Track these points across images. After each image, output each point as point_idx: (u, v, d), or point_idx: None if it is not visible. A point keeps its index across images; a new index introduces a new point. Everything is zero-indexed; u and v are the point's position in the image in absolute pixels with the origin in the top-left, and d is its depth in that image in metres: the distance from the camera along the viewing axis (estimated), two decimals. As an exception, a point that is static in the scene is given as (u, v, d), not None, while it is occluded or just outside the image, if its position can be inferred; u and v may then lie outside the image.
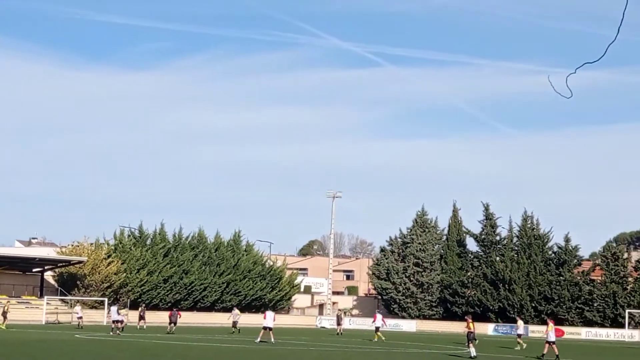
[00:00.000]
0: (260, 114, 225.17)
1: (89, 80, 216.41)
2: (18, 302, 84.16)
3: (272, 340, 49.56)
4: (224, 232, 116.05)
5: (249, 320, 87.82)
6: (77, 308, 72.37)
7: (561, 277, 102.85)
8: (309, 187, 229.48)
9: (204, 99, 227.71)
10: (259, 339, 50.58)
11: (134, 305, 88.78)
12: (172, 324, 64.02)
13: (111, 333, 55.06)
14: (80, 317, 70.20)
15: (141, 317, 71.43)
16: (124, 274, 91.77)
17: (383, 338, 61.43)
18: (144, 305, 77.40)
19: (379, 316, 65.46)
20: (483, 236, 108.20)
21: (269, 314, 52.02)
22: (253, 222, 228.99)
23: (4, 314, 67.59)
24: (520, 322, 59.43)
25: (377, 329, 63.48)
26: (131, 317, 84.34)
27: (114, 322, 59.00)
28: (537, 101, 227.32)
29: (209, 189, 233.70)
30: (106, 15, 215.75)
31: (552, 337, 43.96)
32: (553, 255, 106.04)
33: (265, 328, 50.91)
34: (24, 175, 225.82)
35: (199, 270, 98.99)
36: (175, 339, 52.76)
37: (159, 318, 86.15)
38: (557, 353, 43.13)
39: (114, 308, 61.32)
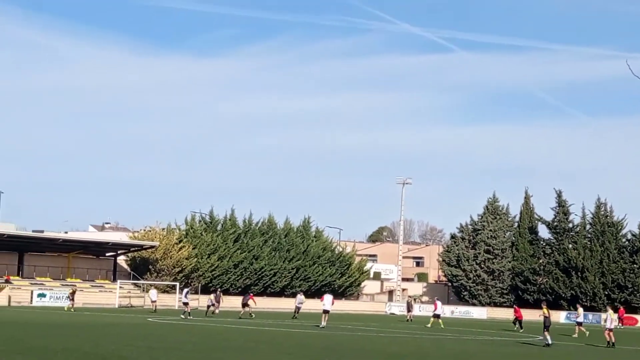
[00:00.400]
0: (330, 101, 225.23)
1: (160, 68, 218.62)
2: (92, 286, 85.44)
3: (323, 323, 50.33)
4: (294, 218, 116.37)
5: (316, 305, 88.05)
6: (152, 292, 73.10)
7: (635, 265, 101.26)
8: (379, 174, 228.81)
9: (274, 85, 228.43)
10: (323, 324, 50.83)
11: (205, 290, 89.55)
12: (246, 307, 64.16)
13: (182, 316, 55.57)
14: (154, 301, 70.96)
15: (217, 302, 71.74)
16: (195, 259, 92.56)
17: (442, 325, 61.46)
18: (219, 290, 77.73)
19: (439, 304, 66.93)
20: (555, 223, 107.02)
21: (327, 297, 52.77)
22: (322, 208, 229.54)
23: (72, 297, 68.55)
24: (580, 310, 58.79)
25: (437, 316, 64.66)
26: (202, 301, 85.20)
27: (184, 304, 59.64)
28: (613, 87, 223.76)
29: (278, 175, 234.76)
30: (176, 2, 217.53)
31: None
32: (627, 242, 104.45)
33: (324, 311, 51.73)
34: (97, 161, 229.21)
35: (269, 256, 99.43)
36: (246, 324, 53.04)
37: (229, 303, 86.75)
38: (611, 340, 42.31)
39: (184, 291, 61.90)
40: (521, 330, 59.06)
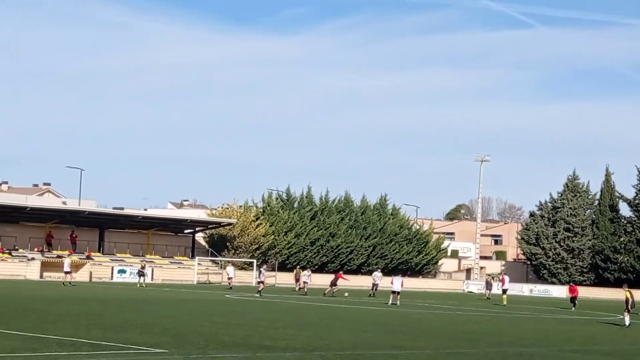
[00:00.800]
0: (407, 77, 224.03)
1: (237, 46, 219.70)
2: (170, 263, 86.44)
3: (395, 301, 51.20)
4: (370, 195, 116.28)
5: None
6: (230, 269, 73.54)
7: None
8: (457, 151, 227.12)
9: (350, 62, 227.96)
10: (394, 302, 51.15)
11: (281, 267, 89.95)
12: (334, 287, 63.98)
13: (256, 295, 55.59)
14: (231, 278, 71.37)
15: (297, 279, 71.95)
16: (272, 236, 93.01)
17: (504, 303, 60.99)
18: (299, 267, 77.93)
19: (506, 279, 67.61)
20: (637, 201, 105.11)
21: (397, 279, 53.45)
22: (399, 186, 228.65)
23: (142, 272, 69.11)
24: None
25: (504, 291, 64.74)
26: (279, 278, 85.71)
27: (259, 282, 59.18)
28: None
29: (355, 153, 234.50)
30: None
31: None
32: None
33: (393, 292, 52.30)
34: (176, 138, 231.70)
35: (346, 234, 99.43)
36: (324, 302, 53.15)
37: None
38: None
39: (262, 269, 61.96)
40: (573, 309, 58.19)
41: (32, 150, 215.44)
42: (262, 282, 58.94)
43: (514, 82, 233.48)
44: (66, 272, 64.60)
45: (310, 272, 70.74)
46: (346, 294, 60.91)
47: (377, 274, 68.38)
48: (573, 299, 61.72)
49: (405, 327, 33.18)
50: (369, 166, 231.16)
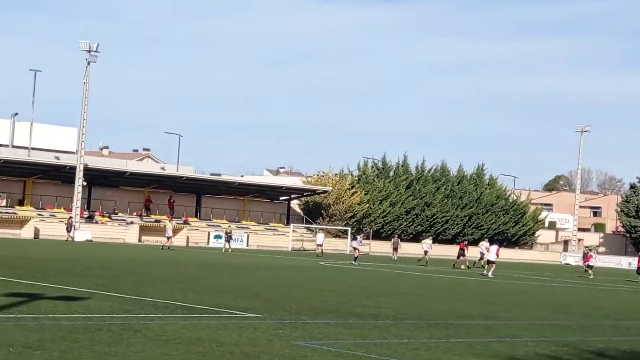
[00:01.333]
0: (509, 45, 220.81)
1: (335, 12, 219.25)
2: (265, 229, 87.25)
3: (488, 273, 49.67)
4: (467, 165, 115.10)
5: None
6: (320, 235, 73.72)
7: None
8: (557, 121, 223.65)
9: (452, 29, 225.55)
10: (487, 273, 49.99)
11: (376, 236, 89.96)
12: (461, 257, 61.78)
13: (353, 262, 55.66)
14: (320, 245, 71.19)
15: (395, 249, 71.83)
16: (367, 205, 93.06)
17: (591, 276, 59.44)
18: (397, 236, 77.76)
19: (594, 255, 65.96)
20: None
21: (493, 247, 51.79)
22: (497, 155, 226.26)
23: (228, 238, 69.34)
24: None
25: (590, 266, 62.66)
26: (374, 247, 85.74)
27: (354, 249, 59.45)
28: None
29: (452, 121, 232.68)
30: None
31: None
32: None
33: (489, 262, 50.92)
34: (273, 106, 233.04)
35: (441, 203, 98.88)
36: (418, 270, 53.02)
37: (402, 249, 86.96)
38: None
39: (358, 237, 61.80)
40: None
41: (133, 116, 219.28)
42: (357, 249, 58.96)
43: (618, 50, 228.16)
44: (168, 237, 65.98)
45: (431, 240, 69.72)
46: (463, 267, 59.91)
47: (428, 241, 66.61)
48: None
49: (499, 298, 32.92)
50: (465, 135, 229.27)
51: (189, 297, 23.57)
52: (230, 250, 66.76)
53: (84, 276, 29.60)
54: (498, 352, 16.41)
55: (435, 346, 16.69)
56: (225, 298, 24.22)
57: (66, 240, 67.48)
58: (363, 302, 25.98)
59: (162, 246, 64.52)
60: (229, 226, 77.03)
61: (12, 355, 12.37)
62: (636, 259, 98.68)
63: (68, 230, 70.00)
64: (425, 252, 64.24)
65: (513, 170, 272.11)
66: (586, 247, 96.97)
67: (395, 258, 68.78)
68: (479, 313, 24.95)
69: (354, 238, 65.80)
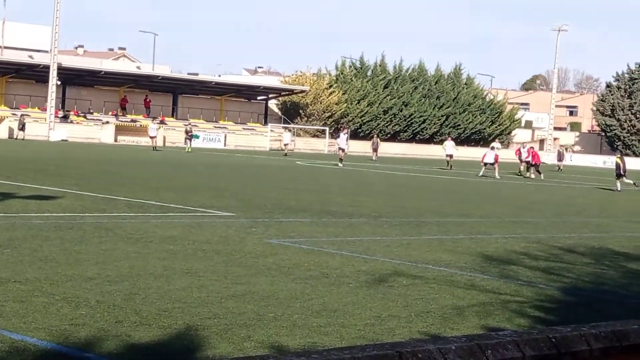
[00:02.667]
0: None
1: None
2: (243, 129, 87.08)
3: (497, 175, 49.60)
4: (445, 65, 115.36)
5: (465, 153, 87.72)
6: (286, 135, 73.21)
7: None
8: (534, 20, 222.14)
9: None
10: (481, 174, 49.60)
11: (353, 136, 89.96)
12: (487, 165, 51.89)
13: (339, 164, 53.30)
14: (287, 144, 70.83)
15: (374, 150, 71.28)
16: (345, 104, 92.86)
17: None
18: (376, 136, 77.60)
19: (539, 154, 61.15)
20: None
21: (490, 153, 51.22)
22: (474, 55, 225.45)
23: (189, 137, 66.38)
24: None
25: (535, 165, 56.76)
26: (352, 147, 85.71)
27: (339, 149, 56.86)
28: None
29: (429, 20, 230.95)
30: None
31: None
32: None
33: (485, 164, 50.49)
34: (251, 4, 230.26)
35: (419, 103, 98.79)
36: (396, 170, 53.21)
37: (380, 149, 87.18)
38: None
39: (342, 134, 60.13)
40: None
41: (108, 14, 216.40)
42: (343, 150, 56.49)
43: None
44: (152, 137, 65.47)
45: (452, 142, 64.81)
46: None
47: (449, 143, 63.28)
48: None
49: (473, 196, 33.18)
50: (443, 34, 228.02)
51: (163, 197, 23.58)
52: (190, 150, 63.48)
53: (57, 176, 29.50)
54: (469, 248, 16.58)
55: (407, 243, 16.83)
56: (200, 197, 24.25)
57: (15, 138, 66.63)
58: (338, 201, 26.10)
59: (154, 147, 64.09)
60: (189, 124, 74.19)
61: (-19, 254, 12.37)
62: (611, 157, 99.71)
63: (20, 128, 67.94)
64: (450, 156, 60.69)
65: (490, 70, 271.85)
66: (561, 146, 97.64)
67: (375, 158, 68.70)
68: (452, 211, 25.13)
69: (336, 136, 64.21)
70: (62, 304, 9.54)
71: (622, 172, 41.90)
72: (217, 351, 8.09)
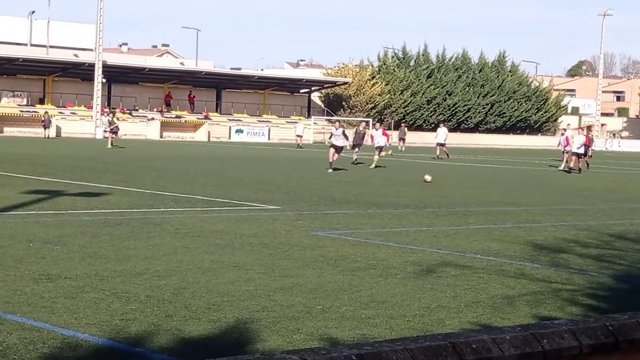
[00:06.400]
0: None
1: None
2: (287, 122, 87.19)
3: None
4: (488, 52, 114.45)
5: (512, 141, 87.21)
6: (299, 126, 72.66)
7: None
8: (579, 5, 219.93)
9: None
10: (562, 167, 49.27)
11: (397, 126, 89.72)
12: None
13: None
14: (300, 136, 70.14)
15: (401, 139, 69.78)
16: (388, 95, 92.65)
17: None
18: (403, 125, 77.05)
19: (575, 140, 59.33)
20: None
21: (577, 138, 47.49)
22: (518, 42, 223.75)
23: (112, 129, 57.93)
24: None
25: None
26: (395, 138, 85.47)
27: (400, 139, 57.50)
28: None
29: (472, 8, 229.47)
30: None
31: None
32: None
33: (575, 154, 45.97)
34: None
35: (463, 92, 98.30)
36: (438, 160, 52.94)
37: (421, 139, 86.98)
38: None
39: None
40: None
41: (151, 12, 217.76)
42: (403, 140, 57.13)
43: None
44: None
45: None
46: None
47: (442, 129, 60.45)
48: None
49: (520, 185, 32.90)
50: (486, 22, 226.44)
51: (209, 191, 23.66)
52: (112, 146, 51.03)
53: (104, 172, 29.74)
54: (517, 237, 16.43)
55: (455, 233, 16.72)
56: (246, 191, 24.29)
57: (45, 138, 63.47)
58: (383, 192, 26.01)
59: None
60: (111, 113, 62.09)
61: (32, 251, 12.49)
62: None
63: (45, 126, 65.65)
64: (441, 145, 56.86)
65: (535, 57, 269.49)
66: (608, 132, 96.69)
67: (402, 149, 66.35)
68: (499, 200, 24.94)
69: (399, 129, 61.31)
70: (112, 299, 9.59)
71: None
72: (267, 344, 8.08)
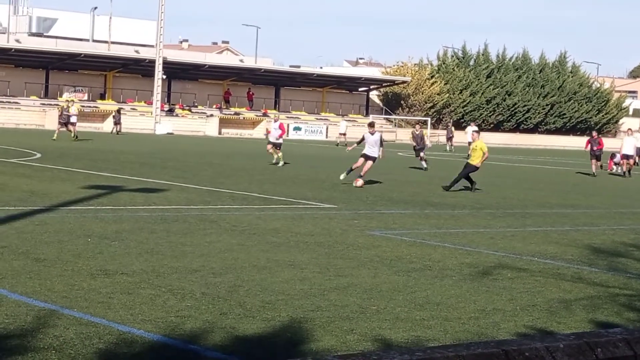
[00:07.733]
0: None
1: None
2: (345, 120, 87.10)
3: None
4: (549, 53, 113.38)
5: (571, 142, 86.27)
6: (342, 123, 71.29)
7: None
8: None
9: None
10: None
11: (456, 126, 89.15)
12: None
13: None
14: (344, 134, 67.02)
15: (449, 138, 67.90)
16: (447, 95, 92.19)
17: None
18: (451, 124, 75.63)
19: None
20: None
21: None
22: (580, 42, 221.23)
23: (117, 120, 63.30)
24: None
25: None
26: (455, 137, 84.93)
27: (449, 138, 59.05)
28: None
29: (533, 8, 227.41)
30: None
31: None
32: None
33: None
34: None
35: (523, 92, 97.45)
36: (495, 160, 52.51)
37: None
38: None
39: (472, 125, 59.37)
40: None
41: (212, 9, 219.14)
42: (451, 139, 58.42)
43: None
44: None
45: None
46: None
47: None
48: None
49: (579, 187, 32.56)
50: (548, 22, 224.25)
51: (266, 188, 23.75)
52: (75, 138, 48.75)
53: (163, 168, 29.99)
54: (575, 240, 16.26)
55: (512, 235, 16.60)
56: (302, 189, 24.35)
57: (112, 133, 62.86)
58: (440, 192, 25.88)
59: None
60: (65, 107, 55.42)
61: (90, 246, 12.64)
62: None
63: (116, 122, 64.37)
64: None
65: (597, 58, 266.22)
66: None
67: (450, 149, 64.81)
68: (557, 202, 24.71)
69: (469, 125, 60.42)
70: (168, 295, 9.67)
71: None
72: (321, 344, 8.09)
